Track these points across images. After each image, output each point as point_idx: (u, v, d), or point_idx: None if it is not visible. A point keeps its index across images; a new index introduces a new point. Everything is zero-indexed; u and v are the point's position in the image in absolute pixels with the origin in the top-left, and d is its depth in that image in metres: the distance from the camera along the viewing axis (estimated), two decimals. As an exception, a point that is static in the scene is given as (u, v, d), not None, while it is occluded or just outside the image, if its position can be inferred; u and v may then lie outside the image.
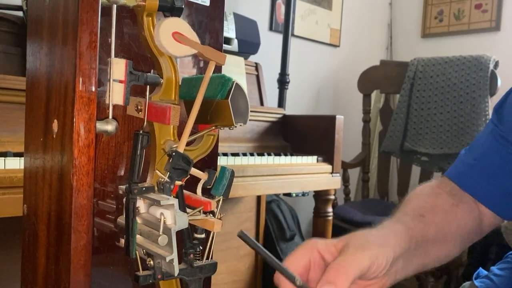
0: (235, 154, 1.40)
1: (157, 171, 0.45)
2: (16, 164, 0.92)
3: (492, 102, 2.07)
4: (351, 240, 0.51)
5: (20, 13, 1.21)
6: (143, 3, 0.44)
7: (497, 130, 0.72)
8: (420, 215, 0.63)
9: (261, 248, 0.47)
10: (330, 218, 1.72)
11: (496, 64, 2.13)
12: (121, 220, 0.45)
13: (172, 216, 0.42)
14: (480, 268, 0.83)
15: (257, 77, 1.82)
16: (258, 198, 1.85)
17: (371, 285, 0.53)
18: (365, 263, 0.48)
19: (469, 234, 0.69)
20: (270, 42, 2.16)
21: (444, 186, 0.72)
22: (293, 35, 2.29)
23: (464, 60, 2.16)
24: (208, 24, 0.53)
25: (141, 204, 0.44)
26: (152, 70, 0.47)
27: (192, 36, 0.45)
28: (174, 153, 0.43)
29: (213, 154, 0.52)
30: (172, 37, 0.44)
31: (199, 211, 0.46)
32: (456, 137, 2.14)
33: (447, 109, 2.18)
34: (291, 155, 1.59)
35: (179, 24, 0.45)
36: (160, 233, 0.42)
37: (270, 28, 2.28)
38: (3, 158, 0.91)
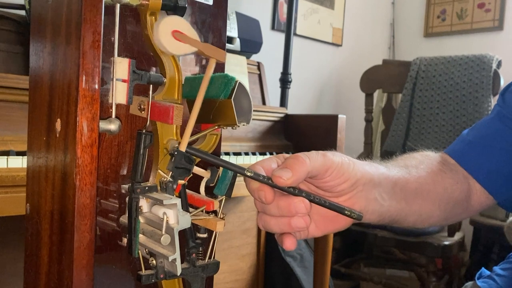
0: (237, 154, 1.40)
1: (159, 170, 0.45)
2: (18, 163, 0.92)
3: (495, 101, 2.07)
4: (314, 151, 0.52)
5: (22, 12, 1.21)
6: (146, 2, 0.44)
7: (502, 111, 0.72)
8: (403, 166, 0.63)
9: (208, 154, 0.46)
10: (332, 217, 1.72)
11: (499, 64, 2.12)
12: (124, 219, 0.45)
13: (175, 216, 0.42)
14: (483, 268, 0.82)
15: (259, 76, 1.82)
16: (260, 197, 1.85)
17: (343, 202, 0.52)
18: (324, 161, 0.49)
19: (455, 204, 0.67)
20: (272, 41, 2.16)
21: (437, 156, 0.71)
22: (295, 34, 2.29)
23: (466, 59, 2.16)
24: (211, 23, 0.53)
25: (143, 203, 0.44)
26: (155, 69, 0.47)
27: (192, 33, 0.45)
28: (176, 153, 0.43)
29: (216, 154, 0.52)
30: (172, 35, 0.44)
31: (202, 211, 0.46)
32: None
33: (449, 109, 2.17)
34: (293, 154, 1.59)
35: (178, 22, 0.45)
36: (163, 233, 0.42)
37: (272, 27, 2.28)
38: (6, 157, 0.91)
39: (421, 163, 0.66)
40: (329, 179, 0.50)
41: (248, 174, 0.47)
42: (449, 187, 0.66)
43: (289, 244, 0.50)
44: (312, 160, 0.48)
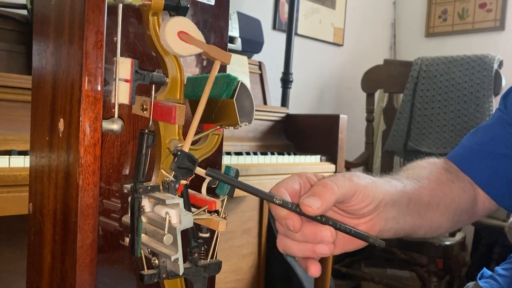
0: (238, 153, 1.40)
1: (162, 170, 0.45)
2: (20, 162, 0.92)
3: (496, 101, 2.07)
4: (340, 173, 0.52)
5: (24, 12, 1.21)
6: (149, 2, 0.44)
7: (503, 116, 0.72)
8: (416, 179, 0.63)
9: (233, 179, 0.46)
10: (333, 217, 1.72)
11: (500, 64, 2.12)
12: (126, 219, 0.45)
13: (177, 215, 0.42)
14: (484, 268, 0.82)
15: (261, 76, 1.82)
16: (261, 197, 1.85)
17: (359, 224, 0.53)
18: (351, 186, 0.49)
19: (462, 212, 0.68)
20: (274, 41, 2.16)
21: (442, 163, 0.72)
22: (296, 34, 2.29)
23: (468, 59, 2.16)
24: (213, 23, 0.53)
25: (146, 203, 0.44)
26: (157, 70, 0.47)
27: (198, 35, 0.45)
28: (179, 152, 0.43)
29: (218, 154, 0.52)
30: (178, 36, 0.44)
31: (204, 211, 0.47)
32: (460, 136, 2.14)
33: (451, 109, 2.17)
34: (294, 154, 1.59)
35: (185, 23, 0.45)
36: (165, 232, 0.42)
37: (274, 27, 2.28)
38: (8, 156, 0.92)
39: (430, 173, 0.66)
40: (355, 203, 0.51)
41: (277, 202, 0.47)
42: (457, 197, 0.67)
43: (314, 270, 0.51)
44: (339, 186, 0.48)
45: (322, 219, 0.48)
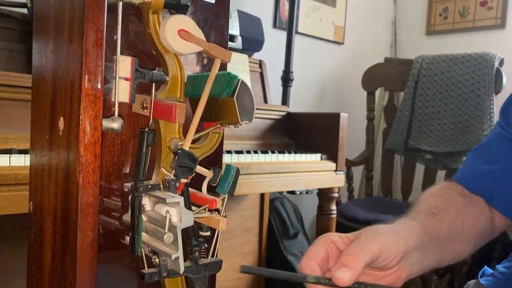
0: (239, 152, 1.40)
1: (162, 168, 0.45)
2: (21, 161, 0.92)
3: (497, 100, 2.06)
4: (362, 232, 0.54)
5: (24, 10, 1.21)
6: (149, 0, 0.44)
7: (504, 133, 0.72)
8: (432, 213, 0.64)
9: (268, 270, 0.49)
10: (334, 216, 1.72)
11: (501, 62, 2.12)
12: (127, 217, 0.45)
13: (177, 214, 0.42)
14: (485, 266, 0.82)
15: (261, 74, 1.81)
16: (262, 195, 1.85)
17: (387, 276, 0.55)
18: (376, 248, 0.51)
19: (482, 234, 0.70)
20: (274, 40, 2.16)
21: (454, 188, 0.73)
22: (297, 32, 2.28)
23: (469, 57, 2.15)
24: (213, 21, 0.53)
25: (146, 201, 0.44)
26: (157, 68, 0.47)
27: (198, 33, 0.45)
28: (179, 151, 0.43)
29: (218, 152, 0.52)
30: (178, 34, 0.44)
31: (205, 209, 0.46)
32: (461, 135, 2.14)
33: (451, 107, 2.17)
34: (295, 152, 1.59)
35: (185, 22, 0.45)
36: (166, 231, 0.42)
37: (274, 25, 2.27)
38: (8, 155, 0.91)
39: (447, 204, 0.68)
40: (381, 261, 0.52)
41: (311, 281, 0.50)
42: (475, 221, 0.68)
43: None
44: (365, 251, 0.50)
45: (354, 286, 0.50)
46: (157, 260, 0.44)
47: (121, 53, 0.42)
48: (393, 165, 2.40)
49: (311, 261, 0.52)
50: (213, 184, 0.48)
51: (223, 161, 0.54)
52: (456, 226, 0.65)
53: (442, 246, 0.62)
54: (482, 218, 0.69)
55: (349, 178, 2.25)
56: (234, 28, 1.67)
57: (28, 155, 0.85)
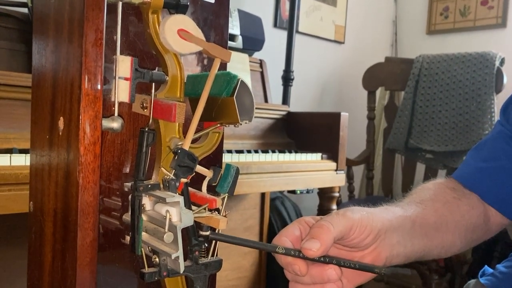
0: (239, 151, 1.40)
1: (162, 168, 0.45)
2: (21, 160, 0.92)
3: (498, 99, 2.06)
4: (335, 211, 0.54)
5: (25, 10, 1.21)
6: (149, 0, 0.44)
7: (505, 131, 0.72)
8: (417, 202, 0.64)
9: (236, 238, 0.48)
10: (334, 215, 1.71)
11: (502, 61, 2.11)
12: (127, 217, 0.45)
13: (177, 214, 0.42)
14: (486, 266, 0.82)
15: (262, 74, 1.81)
16: (262, 195, 1.85)
17: (365, 255, 0.54)
18: (346, 222, 0.51)
19: (475, 229, 0.69)
20: (275, 39, 2.16)
21: (448, 183, 0.72)
22: (297, 31, 2.28)
23: (469, 57, 2.15)
24: (213, 21, 0.53)
25: (146, 201, 0.44)
26: (157, 68, 0.47)
27: (197, 33, 0.45)
28: (179, 151, 0.43)
29: (218, 152, 0.52)
30: (178, 34, 0.44)
31: (204, 209, 0.47)
32: (462, 134, 2.14)
33: (452, 106, 2.17)
34: (296, 152, 1.59)
35: (184, 21, 0.45)
36: (166, 231, 0.42)
37: (275, 25, 2.27)
38: (9, 154, 0.92)
39: (435, 195, 0.67)
40: (354, 237, 0.52)
41: (280, 251, 0.49)
42: (465, 214, 0.67)
43: None
44: (335, 225, 0.50)
45: (325, 260, 0.50)
46: (157, 259, 0.44)
47: (121, 53, 0.42)
48: (394, 165, 2.40)
49: (282, 237, 0.52)
50: (213, 184, 0.48)
51: (223, 161, 0.54)
52: (444, 216, 0.64)
53: (429, 235, 0.61)
54: (473, 213, 0.69)
55: (349, 177, 2.25)
56: (234, 27, 1.67)
57: (29, 154, 0.85)
